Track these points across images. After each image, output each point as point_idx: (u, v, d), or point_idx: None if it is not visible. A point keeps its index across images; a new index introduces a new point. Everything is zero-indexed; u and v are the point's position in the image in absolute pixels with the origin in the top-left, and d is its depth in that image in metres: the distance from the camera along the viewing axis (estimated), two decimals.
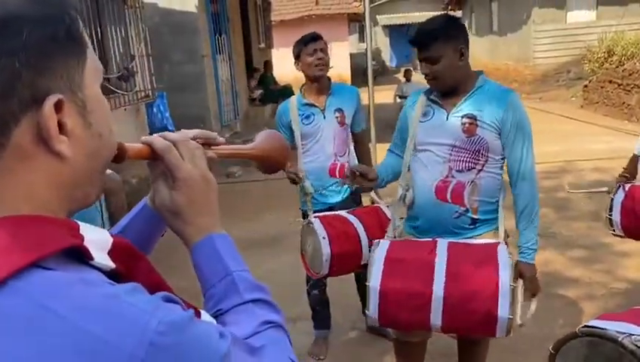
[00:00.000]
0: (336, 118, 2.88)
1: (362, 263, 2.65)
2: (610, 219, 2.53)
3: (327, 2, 19.97)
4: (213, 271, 0.72)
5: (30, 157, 0.54)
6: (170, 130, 5.02)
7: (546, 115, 10.66)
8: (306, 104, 2.89)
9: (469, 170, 2.06)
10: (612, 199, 2.52)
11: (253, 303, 0.70)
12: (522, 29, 16.53)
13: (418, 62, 2.11)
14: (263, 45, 12.90)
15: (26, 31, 0.52)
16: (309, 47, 2.83)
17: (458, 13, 21.33)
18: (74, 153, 0.57)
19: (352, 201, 2.95)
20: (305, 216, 2.79)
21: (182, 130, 0.81)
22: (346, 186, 2.93)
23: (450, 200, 2.08)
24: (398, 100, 11.00)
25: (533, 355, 2.74)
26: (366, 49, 8.25)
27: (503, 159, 2.10)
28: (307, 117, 2.87)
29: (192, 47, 7.84)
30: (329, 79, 2.94)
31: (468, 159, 2.06)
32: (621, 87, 10.31)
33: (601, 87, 11.05)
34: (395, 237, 2.19)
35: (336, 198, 2.91)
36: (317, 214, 2.69)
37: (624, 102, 10.13)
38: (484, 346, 2.38)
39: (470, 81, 2.09)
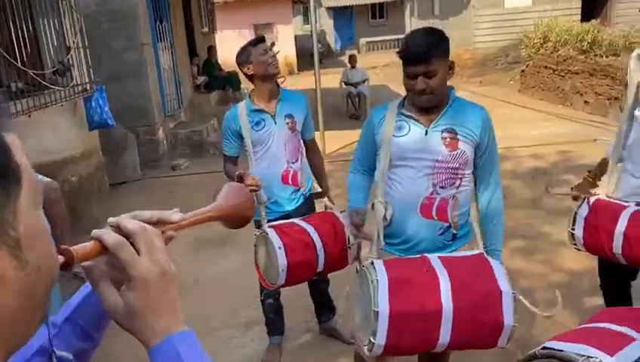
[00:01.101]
0: (287, 123, 2.85)
1: (317, 271, 2.65)
2: (573, 234, 2.45)
3: None
4: None
5: None
6: (110, 125, 4.69)
7: (486, 100, 10.93)
8: (256, 110, 2.83)
9: (450, 185, 2.08)
10: (575, 213, 2.46)
11: None
12: (463, 13, 16.94)
13: (408, 77, 2.03)
14: (206, 29, 12.52)
15: None
16: (259, 47, 2.81)
17: None
18: (5, 299, 0.48)
19: (306, 208, 2.93)
20: (258, 225, 2.74)
21: (136, 211, 0.73)
22: (299, 193, 2.91)
23: (435, 217, 2.09)
24: (344, 86, 11.04)
25: (485, 354, 2.81)
26: (311, 32, 8.18)
27: (472, 173, 2.15)
28: (257, 123, 2.82)
29: (131, 36, 7.51)
30: (277, 85, 2.90)
31: (449, 174, 2.07)
32: (556, 72, 10.74)
33: (538, 72, 11.47)
34: (377, 256, 2.10)
35: (291, 206, 2.89)
36: (271, 223, 2.65)
37: (559, 87, 10.58)
38: (448, 355, 2.37)
39: (445, 95, 2.10)
